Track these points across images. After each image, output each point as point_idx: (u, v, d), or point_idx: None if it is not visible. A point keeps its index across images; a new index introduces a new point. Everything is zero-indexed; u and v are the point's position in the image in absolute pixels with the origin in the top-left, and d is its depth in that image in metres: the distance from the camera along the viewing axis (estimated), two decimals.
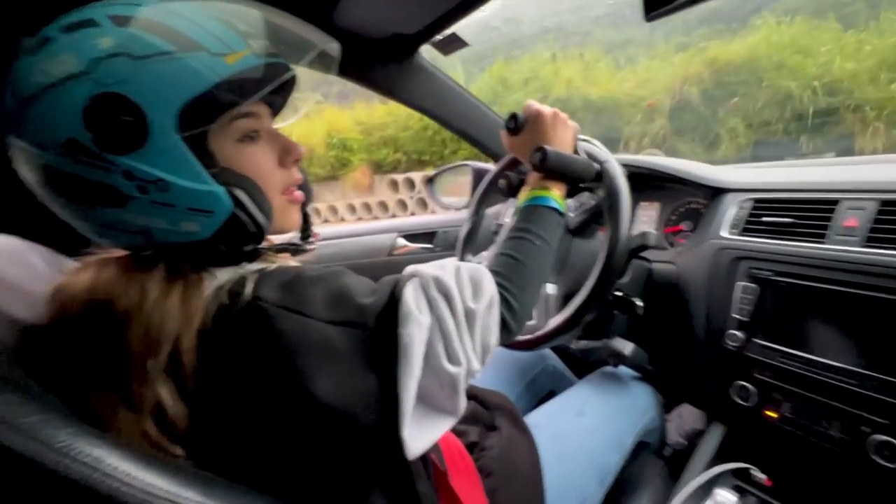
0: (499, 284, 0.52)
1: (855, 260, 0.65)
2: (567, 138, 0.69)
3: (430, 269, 0.48)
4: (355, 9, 0.75)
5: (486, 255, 0.91)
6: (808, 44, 3.29)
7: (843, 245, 0.67)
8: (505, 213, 1.06)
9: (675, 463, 0.86)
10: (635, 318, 0.85)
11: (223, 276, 0.44)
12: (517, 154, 0.72)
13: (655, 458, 0.88)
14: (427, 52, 1.05)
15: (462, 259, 0.98)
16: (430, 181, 1.38)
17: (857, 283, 0.64)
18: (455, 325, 0.45)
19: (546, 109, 0.69)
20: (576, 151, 0.71)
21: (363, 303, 0.44)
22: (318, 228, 1.26)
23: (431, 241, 1.35)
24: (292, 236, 0.57)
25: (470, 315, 0.46)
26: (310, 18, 0.74)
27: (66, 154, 0.37)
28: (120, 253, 0.46)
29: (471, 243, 0.98)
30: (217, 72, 0.38)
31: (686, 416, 1.10)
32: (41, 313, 0.42)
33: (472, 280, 0.49)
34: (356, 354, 0.42)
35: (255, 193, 0.44)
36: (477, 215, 0.99)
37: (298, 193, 0.52)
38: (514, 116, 0.70)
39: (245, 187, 0.44)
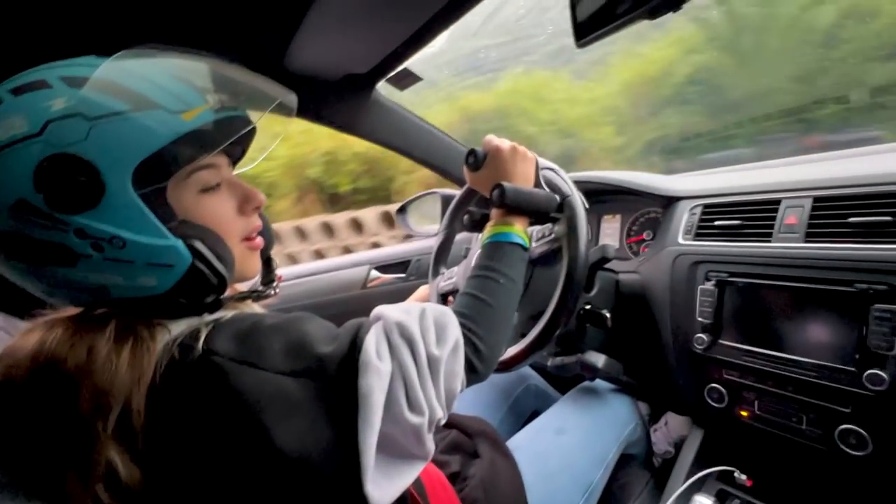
0: (463, 326, 0.51)
1: (798, 255, 0.68)
2: (527, 171, 0.69)
3: (394, 312, 0.47)
4: (305, 53, 0.78)
5: (457, 270, 0.92)
6: (545, 93, 3.78)
7: (787, 242, 0.70)
8: (474, 238, 1.08)
9: (665, 472, 0.86)
10: (607, 331, 0.86)
11: (177, 328, 0.43)
12: (479, 189, 0.72)
13: (641, 469, 0.88)
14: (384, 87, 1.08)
15: (435, 274, 0.98)
16: (401, 210, 1.40)
17: (802, 278, 0.67)
18: (418, 373, 0.44)
19: (504, 144, 0.69)
20: (538, 183, 0.71)
21: (323, 352, 0.43)
22: (287, 269, 1.25)
23: (405, 271, 1.36)
24: (255, 282, 0.56)
25: (433, 362, 0.45)
26: (261, 65, 0.76)
27: (15, 215, 0.36)
28: (71, 311, 0.45)
29: (441, 262, 0.99)
30: (173, 129, 0.39)
31: (672, 424, 1.10)
32: None
33: (436, 324, 0.48)
34: (315, 405, 0.41)
35: (215, 244, 0.44)
36: (447, 234, 1.00)
37: (259, 240, 0.52)
38: (473, 152, 0.70)
39: (204, 238, 0.43)
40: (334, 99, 0.94)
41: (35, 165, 0.35)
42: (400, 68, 0.96)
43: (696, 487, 0.76)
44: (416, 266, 1.36)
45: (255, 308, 0.56)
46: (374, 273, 1.31)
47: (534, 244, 0.79)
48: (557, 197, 0.70)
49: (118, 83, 0.38)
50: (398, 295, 1.29)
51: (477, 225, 0.78)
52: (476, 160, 0.70)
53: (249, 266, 0.51)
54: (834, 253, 0.64)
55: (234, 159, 0.53)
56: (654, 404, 1.12)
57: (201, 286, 0.44)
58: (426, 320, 0.48)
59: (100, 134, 0.36)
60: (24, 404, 0.39)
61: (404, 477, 0.45)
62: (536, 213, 0.68)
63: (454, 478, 0.71)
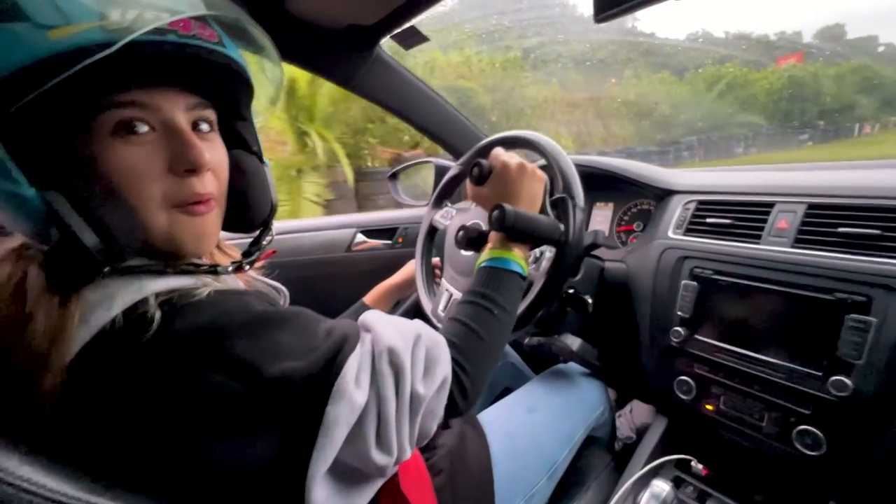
0: (454, 361, 0.48)
1: (784, 260, 0.69)
2: (534, 193, 0.63)
3: (387, 332, 0.43)
4: None
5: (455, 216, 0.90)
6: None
7: (776, 246, 0.71)
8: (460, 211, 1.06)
9: (625, 456, 0.89)
10: (587, 315, 0.87)
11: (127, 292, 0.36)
12: (480, 205, 0.66)
13: (604, 451, 0.90)
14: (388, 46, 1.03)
15: (422, 249, 0.96)
16: (392, 177, 1.36)
17: (785, 282, 0.67)
18: (396, 410, 0.40)
19: (512, 160, 0.63)
20: (544, 207, 0.66)
21: (292, 366, 0.37)
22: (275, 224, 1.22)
23: (391, 238, 1.34)
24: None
25: (416, 399, 0.41)
26: (259, 7, 0.72)
27: None
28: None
29: (431, 240, 0.98)
30: (31, 51, 0.31)
31: (637, 412, 1.14)
32: None
33: (427, 357, 0.44)
34: (266, 424, 0.37)
35: (100, 204, 0.35)
36: (436, 211, 0.98)
37: (202, 207, 0.42)
38: (478, 164, 0.64)
39: (85, 194, 0.35)
40: (335, 50, 0.89)
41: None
42: (407, 25, 0.91)
43: (654, 473, 0.78)
44: (404, 233, 1.34)
45: (237, 282, 0.52)
46: (360, 237, 1.29)
47: None
48: (561, 226, 0.63)
49: None
50: (382, 261, 1.27)
51: (472, 243, 0.70)
52: (481, 174, 0.64)
53: (188, 236, 0.42)
54: (820, 261, 0.65)
55: (221, 104, 0.45)
56: (622, 391, 1.15)
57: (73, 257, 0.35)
58: (419, 350, 0.44)
59: None
60: None
61: (358, 497, 0.43)
62: (537, 241, 0.62)
63: (423, 446, 0.72)
